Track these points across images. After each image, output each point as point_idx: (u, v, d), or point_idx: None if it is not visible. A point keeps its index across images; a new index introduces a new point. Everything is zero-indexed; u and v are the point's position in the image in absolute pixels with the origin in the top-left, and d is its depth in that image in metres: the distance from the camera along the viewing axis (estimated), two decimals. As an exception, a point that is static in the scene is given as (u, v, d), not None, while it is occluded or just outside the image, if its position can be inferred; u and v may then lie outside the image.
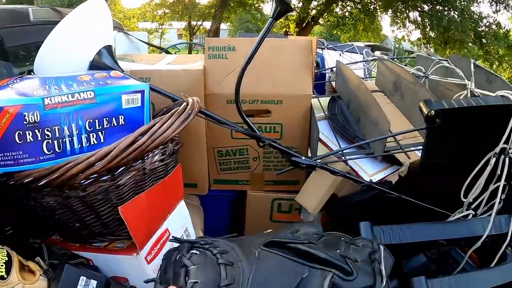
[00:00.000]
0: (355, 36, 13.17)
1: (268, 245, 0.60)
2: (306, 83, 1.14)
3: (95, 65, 0.95)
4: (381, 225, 0.75)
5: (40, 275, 0.72)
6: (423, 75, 1.38)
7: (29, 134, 0.67)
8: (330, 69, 1.95)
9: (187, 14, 13.82)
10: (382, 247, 0.60)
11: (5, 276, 0.67)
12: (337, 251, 0.61)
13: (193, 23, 14.62)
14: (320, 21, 13.67)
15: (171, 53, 1.92)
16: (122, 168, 0.69)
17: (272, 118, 1.14)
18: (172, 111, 0.70)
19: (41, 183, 0.66)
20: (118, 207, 0.68)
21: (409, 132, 1.09)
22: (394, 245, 0.73)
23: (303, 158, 0.97)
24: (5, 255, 0.69)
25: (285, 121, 1.15)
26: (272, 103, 1.11)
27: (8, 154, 0.67)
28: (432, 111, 0.72)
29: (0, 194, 0.91)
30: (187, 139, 1.12)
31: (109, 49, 1.01)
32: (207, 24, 14.31)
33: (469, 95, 1.13)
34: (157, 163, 0.76)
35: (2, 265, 0.67)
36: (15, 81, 0.78)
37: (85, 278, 0.72)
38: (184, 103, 0.74)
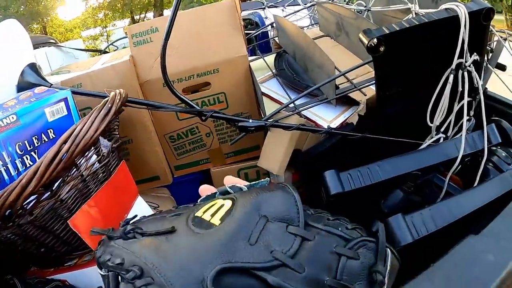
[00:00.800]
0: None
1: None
2: (238, 44, 1.10)
3: (21, 87, 0.92)
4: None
5: None
6: (364, 9, 1.34)
7: None
8: (270, 25, 1.91)
9: (128, 9, 13.48)
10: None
11: None
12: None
13: (136, 17, 14.28)
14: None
15: (109, 52, 1.86)
16: (59, 181, 0.66)
17: (213, 89, 1.10)
18: (91, 112, 0.68)
19: None
20: (67, 221, 0.65)
21: (358, 68, 1.06)
22: (367, 187, 0.70)
23: (250, 121, 0.93)
24: None
25: (227, 88, 1.12)
26: (209, 74, 1.08)
27: None
28: (374, 39, 0.69)
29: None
30: (135, 133, 1.09)
31: (32, 66, 0.97)
32: (151, 15, 14.00)
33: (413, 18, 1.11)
34: (94, 165, 0.74)
35: None
36: None
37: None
38: (105, 99, 0.71)
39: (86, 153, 0.69)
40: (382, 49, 0.70)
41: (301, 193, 0.42)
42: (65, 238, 0.74)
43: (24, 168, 0.71)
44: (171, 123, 1.13)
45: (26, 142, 0.70)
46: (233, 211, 0.39)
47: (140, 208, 0.88)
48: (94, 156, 0.73)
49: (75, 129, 0.62)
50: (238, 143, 1.09)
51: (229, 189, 0.46)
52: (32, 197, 0.63)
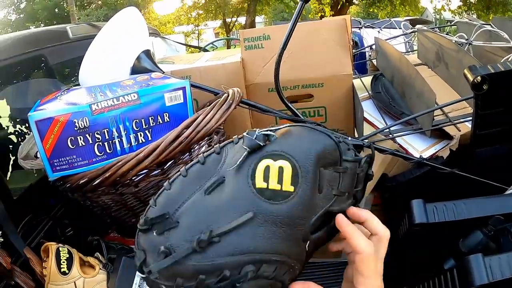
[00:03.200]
0: (393, 12, 12.75)
1: None
2: (345, 62, 1.12)
3: (136, 70, 0.98)
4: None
5: (100, 268, 0.77)
6: (465, 42, 1.32)
7: (80, 139, 0.72)
8: (369, 47, 1.91)
9: (221, 12, 13.94)
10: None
11: (67, 271, 0.72)
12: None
13: (228, 20, 14.73)
14: (355, 1, 13.35)
15: (209, 51, 1.94)
16: (171, 162, 0.71)
17: (315, 102, 1.13)
18: (214, 102, 0.72)
19: (95, 183, 0.70)
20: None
21: (457, 103, 1.05)
22: (449, 222, 0.70)
23: (349, 138, 0.94)
24: (66, 253, 0.74)
25: (328, 103, 1.13)
26: (313, 87, 1.10)
27: (63, 159, 0.72)
28: (478, 77, 0.68)
29: (59, 197, 0.97)
30: (233, 130, 1.13)
31: (147, 53, 1.04)
32: (242, 20, 14.38)
33: (516, 57, 1.07)
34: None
35: (64, 262, 0.73)
36: (62, 93, 0.83)
37: (142, 268, 0.76)
38: (225, 94, 0.76)
39: (201, 142, 0.73)
40: (485, 87, 0.68)
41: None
42: (159, 214, 0.79)
43: (136, 143, 0.76)
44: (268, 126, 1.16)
45: (143, 120, 0.76)
46: (299, 174, 0.44)
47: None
48: (206, 146, 0.77)
49: (197, 117, 0.67)
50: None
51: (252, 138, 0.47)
52: (143, 171, 0.68)
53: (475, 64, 0.73)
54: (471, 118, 0.86)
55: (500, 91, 0.70)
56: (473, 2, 11.46)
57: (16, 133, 0.94)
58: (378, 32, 2.29)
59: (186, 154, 0.73)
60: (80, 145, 0.72)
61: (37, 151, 0.90)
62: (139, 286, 0.75)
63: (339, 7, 12.28)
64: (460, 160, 0.96)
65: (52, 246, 0.75)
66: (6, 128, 0.91)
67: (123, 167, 0.66)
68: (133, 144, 0.76)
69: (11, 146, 0.91)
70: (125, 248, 0.87)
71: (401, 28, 2.14)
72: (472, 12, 11.40)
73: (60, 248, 0.75)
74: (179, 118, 0.79)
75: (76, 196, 0.78)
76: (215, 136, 0.79)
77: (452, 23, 1.85)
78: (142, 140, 0.76)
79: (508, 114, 0.76)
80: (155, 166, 0.69)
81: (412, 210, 0.72)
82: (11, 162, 0.90)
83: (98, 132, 0.73)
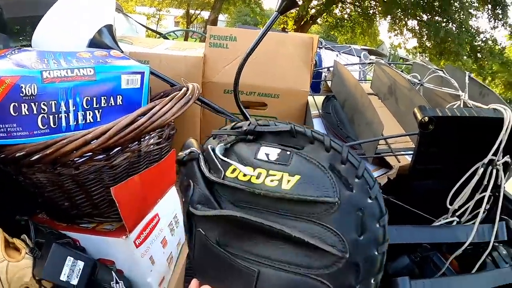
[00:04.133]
0: (352, 39, 13.18)
1: None
2: (304, 79, 1.14)
3: (94, 44, 0.93)
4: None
5: (26, 253, 0.71)
6: (418, 82, 1.37)
7: (24, 107, 0.66)
8: (327, 69, 1.95)
9: (186, 2, 13.73)
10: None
11: None
12: None
13: (192, 11, 14.54)
14: (319, 20, 13.68)
15: (168, 39, 1.90)
16: (118, 149, 0.68)
17: (267, 111, 1.14)
18: (172, 95, 0.70)
19: (33, 158, 0.64)
20: (111, 188, 0.67)
21: (401, 137, 1.10)
22: None
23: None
24: None
25: (280, 115, 1.15)
26: (269, 96, 1.11)
27: (1, 126, 0.66)
28: (426, 117, 0.72)
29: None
30: (181, 126, 1.11)
31: (109, 28, 0.99)
32: (205, 14, 14.25)
33: (462, 106, 1.14)
34: (152, 146, 0.76)
35: None
36: (13, 52, 0.76)
37: (72, 258, 0.71)
38: (184, 88, 0.74)
39: (152, 133, 0.71)
40: (431, 127, 0.73)
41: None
42: (96, 202, 0.76)
43: (83, 122, 0.72)
44: (217, 128, 1.15)
45: (95, 98, 0.72)
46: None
47: (171, 198, 0.89)
48: (156, 137, 0.75)
49: (154, 107, 0.64)
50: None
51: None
52: (88, 154, 0.65)
53: (425, 105, 0.77)
54: (411, 152, 0.91)
55: (442, 133, 0.75)
56: (428, 46, 12.04)
57: None
58: (337, 55, 2.35)
59: (135, 143, 0.71)
60: (23, 113, 0.66)
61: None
62: (67, 276, 0.71)
63: (302, 23, 12.49)
64: (396, 189, 1.00)
65: (-29, 220, 0.69)
66: None
67: (67, 145, 0.62)
68: (79, 122, 0.72)
69: None
70: (55, 233, 0.81)
71: (359, 56, 2.21)
72: (426, 55, 12.04)
73: None
74: (132, 103, 0.77)
75: (9, 169, 0.72)
76: (166, 128, 0.77)
77: (409, 63, 1.92)
78: (90, 120, 0.73)
79: (445, 155, 0.81)
80: (101, 150, 0.66)
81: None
82: None
83: (45, 103, 0.68)
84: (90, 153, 0.66)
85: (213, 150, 0.45)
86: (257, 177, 0.41)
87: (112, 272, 0.80)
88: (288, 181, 0.40)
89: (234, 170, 0.43)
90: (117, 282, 0.80)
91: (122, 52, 0.95)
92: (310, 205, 0.39)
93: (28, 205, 0.93)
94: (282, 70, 1.12)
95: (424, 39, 11.99)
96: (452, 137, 0.78)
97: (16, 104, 0.65)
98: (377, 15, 12.89)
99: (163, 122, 0.65)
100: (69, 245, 0.79)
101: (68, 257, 0.71)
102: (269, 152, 0.43)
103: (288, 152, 0.42)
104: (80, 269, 0.72)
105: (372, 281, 0.38)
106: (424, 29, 11.78)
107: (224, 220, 0.43)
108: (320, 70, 2.04)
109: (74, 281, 0.71)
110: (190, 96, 0.71)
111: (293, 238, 0.38)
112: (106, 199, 0.75)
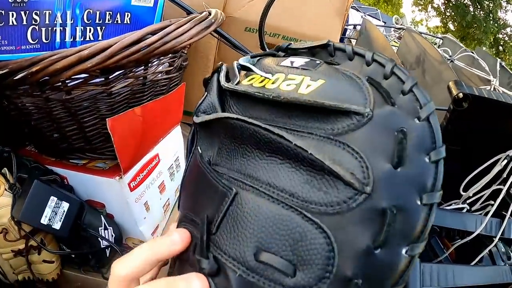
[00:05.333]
0: (375, 5, 12.79)
1: None
2: (335, 29, 1.02)
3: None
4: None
5: (5, 189, 0.61)
6: (449, 58, 1.31)
7: (12, 16, 0.53)
8: (353, 26, 1.82)
9: None
10: None
11: None
12: None
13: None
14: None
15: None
16: (119, 72, 0.56)
17: (289, 58, 1.02)
18: (191, 15, 0.58)
19: (17, 77, 0.51)
20: (106, 119, 0.56)
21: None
22: None
23: None
24: None
25: None
26: (293, 41, 0.99)
27: None
28: (461, 93, 0.66)
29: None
30: (193, 59, 0.99)
31: None
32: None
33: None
34: (160, 74, 0.64)
35: None
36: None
37: (56, 198, 0.62)
38: (206, 12, 0.61)
39: (162, 57, 0.60)
40: (465, 105, 0.67)
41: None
42: (89, 135, 0.65)
43: (82, 39, 0.61)
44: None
45: (98, 12, 0.61)
46: None
47: (175, 138, 0.79)
48: (166, 65, 0.63)
49: (169, 25, 0.52)
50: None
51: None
52: (82, 75, 0.54)
53: (461, 81, 0.72)
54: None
55: (473, 114, 0.69)
56: (451, 28, 11.78)
57: None
58: (362, 17, 2.22)
59: (141, 68, 0.59)
60: (10, 23, 0.53)
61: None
62: (49, 219, 0.61)
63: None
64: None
65: None
66: None
67: (57, 62, 0.49)
68: (77, 39, 0.61)
69: None
70: (40, 168, 0.71)
71: (384, 22, 2.07)
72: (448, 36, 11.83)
73: None
74: (141, 25, 0.65)
75: None
76: (178, 57, 0.66)
77: (439, 36, 1.81)
78: (90, 37, 0.61)
79: (469, 137, 0.75)
80: (98, 72, 0.54)
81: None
82: None
83: (37, 12, 0.55)
84: (86, 75, 0.54)
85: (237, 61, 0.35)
86: (273, 82, 0.29)
87: (101, 216, 0.71)
88: (308, 86, 0.28)
89: (252, 78, 0.32)
90: (105, 229, 0.71)
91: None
92: (330, 118, 0.26)
93: (14, 135, 0.83)
94: (311, 15, 1.00)
95: (448, 20, 11.68)
96: (481, 121, 0.72)
97: (2, 12, 0.52)
98: (406, -16, 12.57)
99: (177, 46, 0.52)
100: (55, 183, 0.70)
101: (52, 197, 0.61)
102: (296, 60, 0.32)
103: (318, 62, 0.30)
104: (64, 211, 0.63)
105: (403, 251, 0.24)
106: (450, 10, 11.45)
107: (223, 133, 0.32)
108: (346, 27, 1.91)
109: (57, 225, 0.62)
110: (212, 20, 0.59)
111: (292, 148, 0.26)
112: (101, 132, 0.64)
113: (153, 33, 0.51)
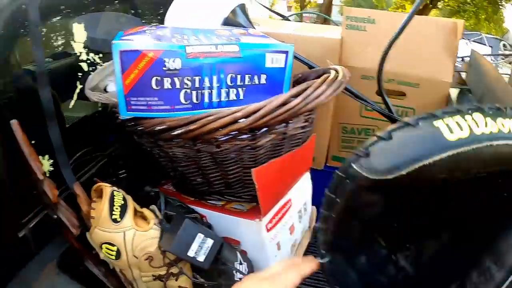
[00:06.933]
0: (476, 26, 12.05)
1: None
2: (447, 69, 1.04)
3: (228, 23, 0.92)
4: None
5: (154, 224, 0.71)
6: None
7: (167, 81, 0.65)
8: (461, 58, 1.79)
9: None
10: None
11: (119, 219, 0.67)
12: None
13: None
14: (439, 5, 12.75)
15: (290, 21, 1.85)
16: (264, 129, 0.65)
17: (405, 102, 1.06)
18: (323, 77, 0.65)
19: (174, 133, 0.63)
20: (252, 170, 0.64)
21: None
22: None
23: None
24: (121, 199, 0.70)
25: (418, 106, 1.07)
26: (408, 85, 1.03)
27: (142, 99, 0.66)
28: None
29: (124, 138, 0.92)
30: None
31: (243, 7, 0.97)
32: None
33: None
34: (298, 129, 0.72)
35: (117, 208, 0.68)
36: (150, 28, 0.77)
37: (202, 235, 0.71)
38: (333, 71, 0.69)
39: (300, 115, 0.67)
40: None
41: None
42: (230, 181, 0.74)
43: (226, 100, 0.70)
44: (351, 115, 1.11)
45: (239, 76, 0.70)
46: None
47: (304, 184, 0.86)
48: (302, 120, 0.71)
49: (307, 87, 0.60)
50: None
51: None
52: (233, 132, 0.63)
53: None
54: None
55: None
56: None
57: (88, 61, 0.88)
58: (466, 44, 2.15)
59: (282, 125, 0.67)
60: (166, 87, 0.65)
61: (107, 85, 0.85)
62: (195, 252, 0.71)
63: (421, 7, 11.67)
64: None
65: (107, 188, 0.70)
66: (79, 54, 0.85)
67: (214, 122, 0.60)
68: (222, 99, 0.70)
69: (80, 74, 0.85)
70: (183, 207, 0.82)
71: (491, 46, 2.00)
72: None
73: (115, 193, 0.70)
74: (275, 84, 0.73)
75: (144, 142, 0.73)
76: (313, 113, 0.73)
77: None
78: (233, 98, 0.71)
79: None
80: (247, 130, 0.63)
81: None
82: (77, 91, 0.84)
83: (189, 78, 0.66)
84: (236, 132, 0.63)
85: None
86: None
87: (237, 252, 0.79)
88: None
89: None
90: (241, 264, 0.78)
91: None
92: None
93: (154, 176, 0.95)
94: (422, 57, 1.03)
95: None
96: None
97: (159, 78, 0.64)
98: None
99: (316, 105, 0.60)
100: (198, 221, 0.80)
101: (199, 234, 0.71)
102: None
103: None
104: (208, 247, 0.72)
105: None
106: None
107: None
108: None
109: (201, 258, 0.71)
110: (342, 80, 0.66)
111: None
112: (242, 179, 0.74)
113: (296, 95, 0.59)
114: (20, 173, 0.66)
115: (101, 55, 0.91)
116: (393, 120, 0.88)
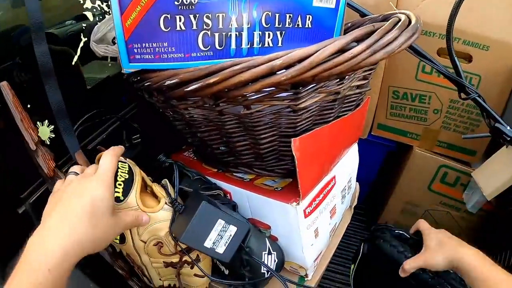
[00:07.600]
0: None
1: None
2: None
3: None
4: None
5: (165, 203, 0.58)
6: None
7: (180, 20, 0.50)
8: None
9: None
10: None
11: (122, 198, 0.53)
12: None
13: None
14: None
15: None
16: (312, 86, 0.49)
17: (471, 66, 0.91)
18: (392, 20, 0.48)
19: (189, 88, 0.47)
20: (291, 139, 0.49)
21: None
22: None
23: (508, 128, 0.75)
24: (126, 172, 0.55)
25: (485, 73, 0.91)
26: (476, 47, 0.88)
27: (146, 46, 0.50)
28: None
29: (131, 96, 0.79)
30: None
31: None
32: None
33: None
34: (354, 88, 0.55)
35: (120, 184, 0.53)
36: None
37: (223, 222, 0.56)
38: (404, 15, 0.51)
39: (358, 70, 0.51)
40: None
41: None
42: (262, 152, 0.59)
43: (260, 46, 0.55)
44: (405, 78, 0.97)
45: (277, 15, 0.54)
46: None
47: (351, 157, 0.71)
48: (361, 77, 0.55)
49: (375, 31, 0.43)
50: (455, 138, 0.99)
51: None
52: (269, 88, 0.47)
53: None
54: None
55: None
56: None
57: (94, 9, 0.72)
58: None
59: (335, 81, 0.51)
60: (178, 28, 0.50)
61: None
62: (213, 243, 0.56)
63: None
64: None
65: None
66: (82, 1, 0.70)
67: (242, 73, 0.43)
68: (254, 45, 0.55)
69: (84, 25, 0.70)
70: (203, 181, 0.68)
71: None
72: None
73: (120, 164, 0.55)
74: (323, 29, 0.58)
75: (155, 100, 0.57)
76: (373, 70, 0.57)
77: None
78: (269, 44, 0.55)
79: None
80: (289, 86, 0.47)
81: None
82: (81, 44, 0.69)
83: (209, 15, 0.50)
84: (272, 88, 0.47)
85: None
86: None
87: (266, 239, 0.65)
88: None
89: None
90: (269, 253, 0.65)
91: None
92: None
93: (174, 142, 0.83)
94: (497, 17, 0.87)
95: None
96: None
97: (169, 16, 0.49)
98: None
99: (384, 56, 0.43)
100: (218, 199, 0.65)
101: (219, 220, 0.56)
102: None
103: None
104: (230, 235, 0.57)
105: None
106: None
107: None
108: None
109: (220, 249, 0.57)
110: (417, 26, 0.49)
111: None
112: (277, 150, 0.58)
113: (359, 40, 0.43)
114: (17, 142, 0.56)
115: (109, 2, 0.75)
116: (460, 87, 0.72)
